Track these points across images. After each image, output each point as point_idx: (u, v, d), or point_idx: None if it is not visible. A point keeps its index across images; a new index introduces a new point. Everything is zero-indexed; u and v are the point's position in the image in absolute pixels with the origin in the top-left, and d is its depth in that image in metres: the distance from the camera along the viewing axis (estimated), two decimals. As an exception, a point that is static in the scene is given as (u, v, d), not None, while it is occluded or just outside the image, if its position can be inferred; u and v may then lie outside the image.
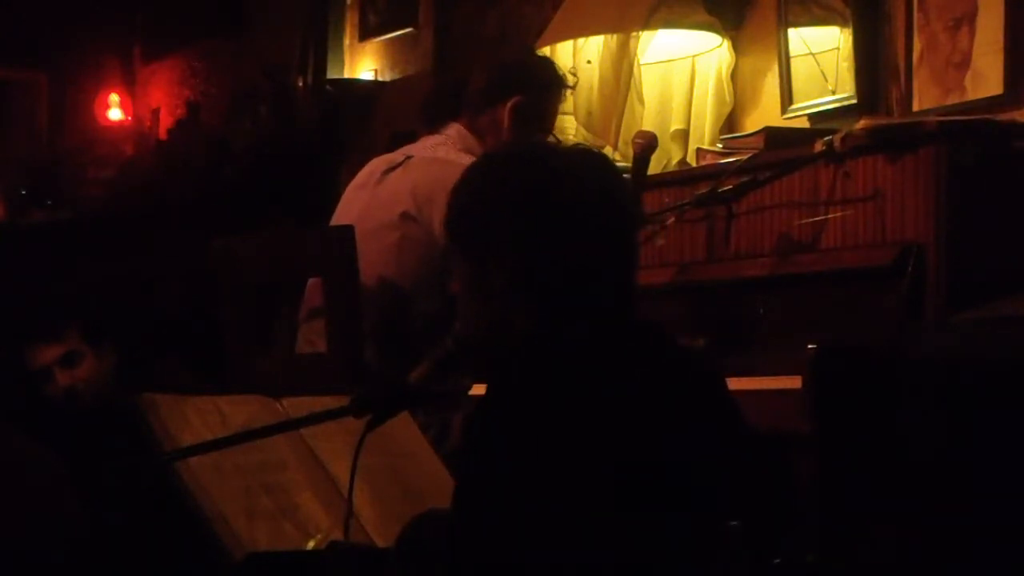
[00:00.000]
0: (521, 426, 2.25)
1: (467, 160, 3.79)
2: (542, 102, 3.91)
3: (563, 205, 2.36)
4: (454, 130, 3.89)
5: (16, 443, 3.11)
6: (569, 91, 4.57)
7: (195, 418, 2.87)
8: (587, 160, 2.46)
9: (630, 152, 4.19)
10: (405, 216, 3.76)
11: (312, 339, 3.85)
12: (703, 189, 3.82)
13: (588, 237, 2.36)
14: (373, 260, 3.70)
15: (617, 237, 2.40)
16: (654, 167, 4.19)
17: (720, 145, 4.28)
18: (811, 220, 3.62)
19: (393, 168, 3.89)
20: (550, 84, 3.93)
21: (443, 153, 3.84)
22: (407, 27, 6.44)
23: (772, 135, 3.97)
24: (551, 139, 3.94)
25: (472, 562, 2.25)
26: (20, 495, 2.97)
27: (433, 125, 3.93)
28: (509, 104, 3.85)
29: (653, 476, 2.27)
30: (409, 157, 3.89)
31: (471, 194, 2.44)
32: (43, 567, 2.93)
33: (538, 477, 2.23)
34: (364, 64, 6.75)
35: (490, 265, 2.38)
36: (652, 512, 2.26)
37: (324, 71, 6.86)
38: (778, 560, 2.43)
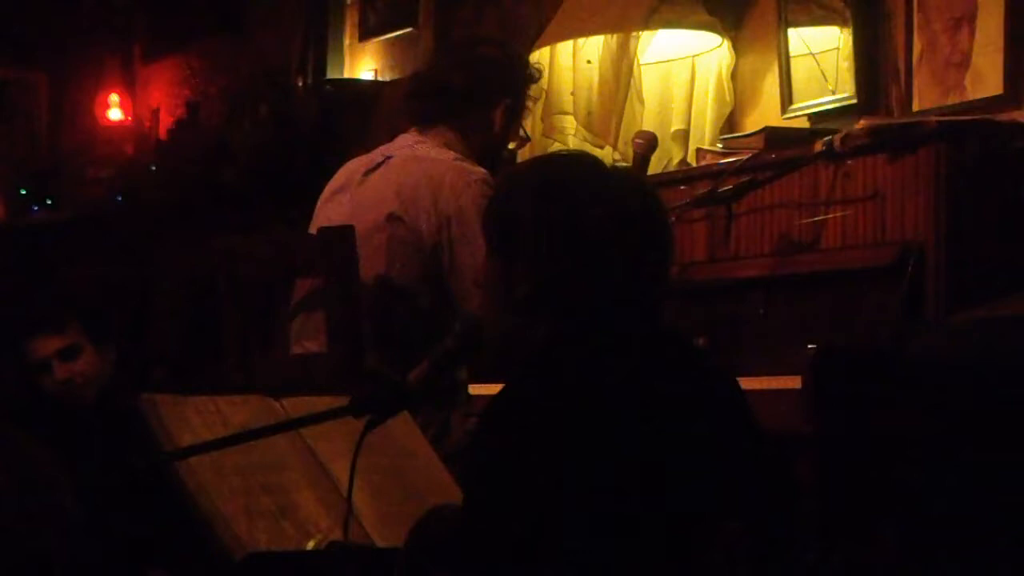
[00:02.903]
0: (534, 432, 2.27)
1: (448, 156, 3.78)
2: (523, 101, 3.92)
3: (594, 224, 2.39)
4: (436, 130, 3.86)
5: (10, 439, 3.10)
6: (570, 92, 4.58)
7: (195, 418, 2.87)
8: (624, 180, 2.50)
9: (630, 152, 4.20)
10: (391, 217, 3.74)
11: (302, 341, 3.85)
12: (703, 189, 3.82)
13: (617, 255, 2.39)
14: (363, 262, 3.69)
15: (647, 257, 2.42)
16: (654, 167, 4.20)
17: (720, 145, 4.28)
18: (811, 220, 3.62)
19: (373, 169, 3.87)
20: (527, 83, 3.94)
21: (423, 151, 3.82)
22: (407, 27, 6.44)
23: (772, 135, 3.97)
24: (520, 133, 3.94)
25: (482, 561, 2.26)
26: (14, 492, 2.97)
27: (418, 126, 3.91)
28: (500, 107, 3.84)
29: (664, 479, 2.28)
30: (388, 157, 3.86)
31: (508, 199, 2.48)
32: (38, 565, 2.93)
33: (549, 481, 2.24)
34: (364, 64, 6.75)
35: (517, 271, 2.40)
36: (660, 513, 2.27)
37: (324, 71, 6.86)
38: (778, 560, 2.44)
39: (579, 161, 2.57)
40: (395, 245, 3.73)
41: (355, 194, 3.85)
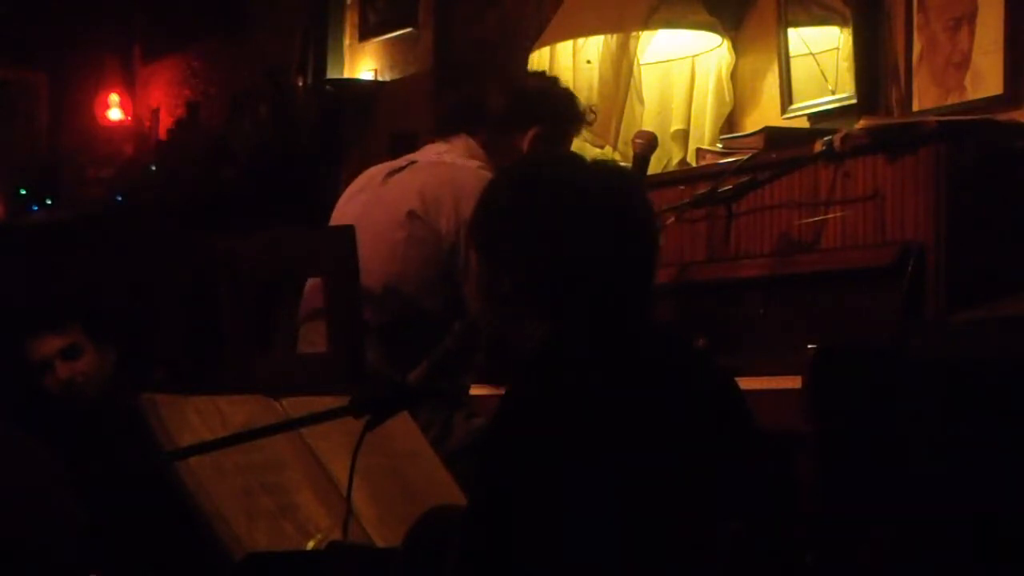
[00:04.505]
0: (536, 433, 2.27)
1: (473, 165, 3.81)
2: (560, 135, 3.93)
3: (575, 219, 2.39)
4: (461, 140, 3.89)
5: (11, 439, 3.10)
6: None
7: (195, 418, 2.87)
8: (607, 175, 2.49)
9: (630, 152, 4.19)
10: (411, 215, 3.76)
11: (312, 339, 3.85)
12: (703, 189, 3.82)
13: (599, 251, 2.38)
14: (378, 258, 3.70)
15: (632, 252, 2.42)
16: (654, 167, 4.19)
17: (720, 145, 4.28)
18: (811, 220, 3.62)
19: (396, 171, 3.89)
20: (571, 120, 3.95)
21: (449, 158, 3.86)
22: (407, 27, 6.44)
23: (772, 135, 3.97)
24: None
25: (484, 563, 2.27)
26: (14, 491, 2.97)
27: (444, 135, 3.94)
28: (530, 134, 3.86)
29: (663, 479, 2.28)
30: (413, 162, 3.90)
31: (491, 200, 2.49)
32: (38, 564, 2.93)
33: (552, 482, 2.24)
34: (364, 64, 6.75)
35: (501, 271, 2.41)
36: (660, 513, 2.27)
37: (324, 71, 6.86)
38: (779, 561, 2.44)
39: (560, 159, 2.58)
40: (413, 243, 3.74)
41: (376, 193, 3.87)
